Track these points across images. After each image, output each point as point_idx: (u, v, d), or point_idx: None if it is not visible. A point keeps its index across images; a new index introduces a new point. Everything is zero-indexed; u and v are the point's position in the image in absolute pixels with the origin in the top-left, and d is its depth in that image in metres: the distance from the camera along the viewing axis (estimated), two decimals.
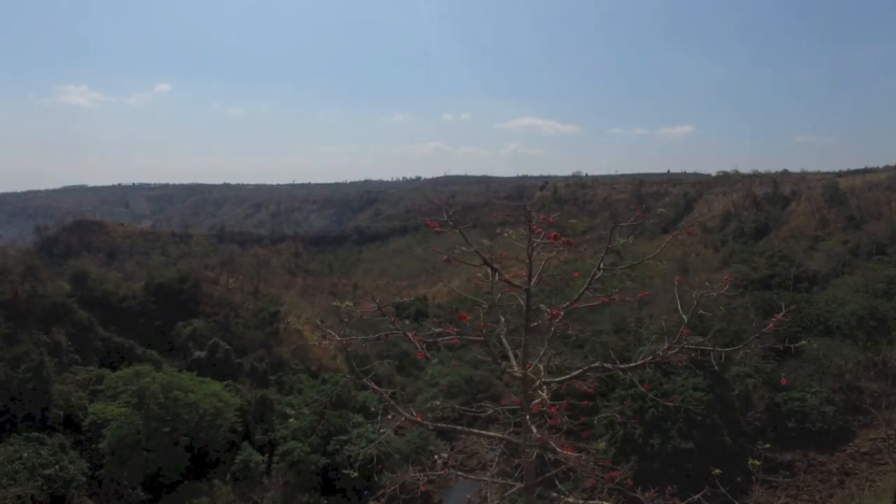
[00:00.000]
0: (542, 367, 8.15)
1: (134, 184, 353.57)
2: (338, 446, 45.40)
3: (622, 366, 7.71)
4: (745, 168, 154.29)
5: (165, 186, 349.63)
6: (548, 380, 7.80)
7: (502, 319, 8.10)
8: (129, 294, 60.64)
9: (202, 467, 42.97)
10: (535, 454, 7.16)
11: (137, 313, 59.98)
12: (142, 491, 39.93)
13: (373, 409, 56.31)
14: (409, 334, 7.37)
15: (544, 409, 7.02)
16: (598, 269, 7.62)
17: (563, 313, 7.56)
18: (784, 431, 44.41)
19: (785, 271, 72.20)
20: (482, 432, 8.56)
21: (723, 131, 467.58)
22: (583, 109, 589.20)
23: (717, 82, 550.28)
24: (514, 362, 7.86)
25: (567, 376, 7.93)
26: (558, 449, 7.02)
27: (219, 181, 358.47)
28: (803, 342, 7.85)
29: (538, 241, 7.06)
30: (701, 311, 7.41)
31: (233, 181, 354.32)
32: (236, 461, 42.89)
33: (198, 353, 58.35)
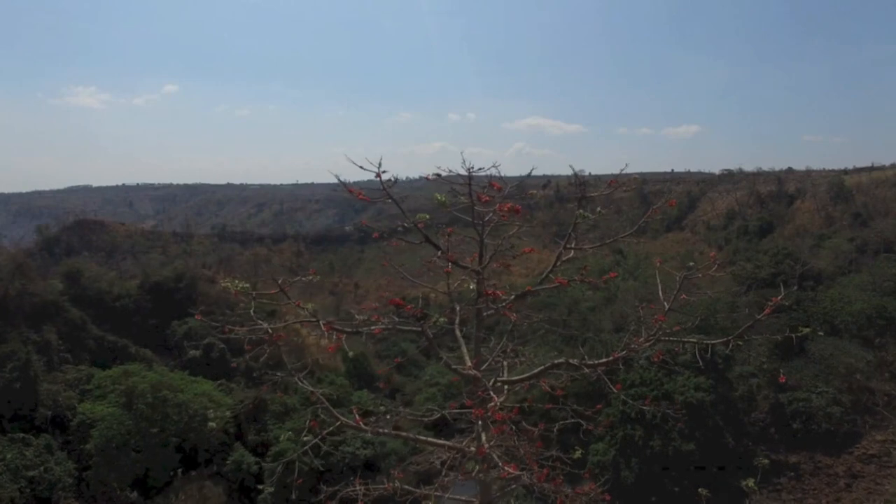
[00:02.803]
0: (505, 364, 7.17)
1: (138, 184, 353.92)
2: (331, 448, 44.55)
3: (590, 362, 6.72)
4: (749, 166, 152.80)
5: (169, 186, 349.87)
6: (504, 379, 6.82)
7: (457, 308, 7.12)
8: (124, 293, 59.91)
9: (193, 468, 42.16)
10: (475, 468, 6.19)
11: (132, 312, 59.26)
12: (130, 492, 39.15)
13: (369, 409, 55.24)
14: (322, 322, 6.41)
15: (488, 414, 6.02)
16: (565, 247, 6.64)
17: (512, 296, 6.56)
18: (789, 433, 43.22)
19: (790, 269, 70.84)
20: (432, 440, 7.59)
21: (728, 131, 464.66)
22: (589, 109, 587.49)
23: (723, 82, 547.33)
24: (466, 358, 6.89)
25: (524, 375, 6.95)
26: (499, 462, 6.03)
27: (222, 181, 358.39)
28: (807, 329, 6.85)
29: (487, 210, 6.07)
30: (684, 297, 6.43)
31: (236, 181, 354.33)
32: (228, 462, 42.05)
33: (193, 353, 57.58)
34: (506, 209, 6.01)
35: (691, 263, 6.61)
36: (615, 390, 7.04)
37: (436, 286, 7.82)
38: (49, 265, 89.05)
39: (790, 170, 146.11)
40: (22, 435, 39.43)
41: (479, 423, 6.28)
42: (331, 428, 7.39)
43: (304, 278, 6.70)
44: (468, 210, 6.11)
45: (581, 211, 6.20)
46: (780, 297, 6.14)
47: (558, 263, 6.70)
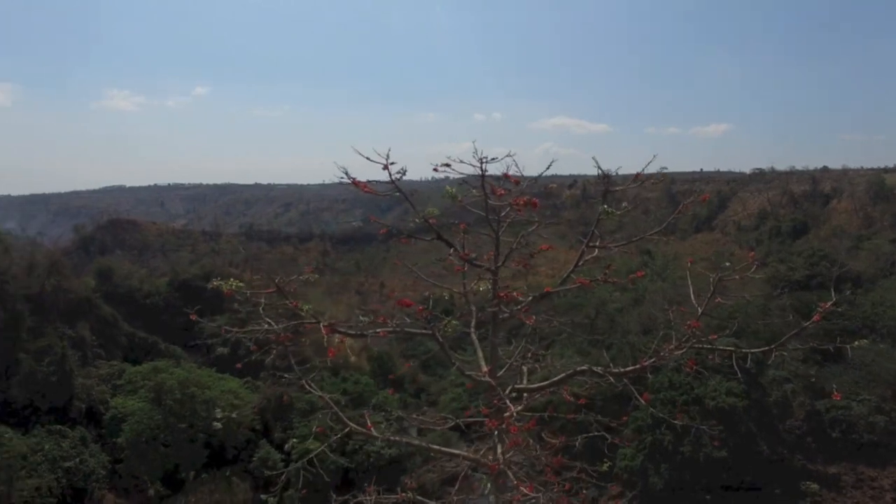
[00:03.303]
0: (524, 369, 6.83)
1: (169, 184, 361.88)
2: (357, 446, 44.69)
3: (615, 370, 6.31)
4: (781, 165, 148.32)
5: (199, 186, 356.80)
6: (521, 386, 6.46)
7: (474, 310, 6.81)
8: (154, 290, 61.18)
9: (220, 464, 42.79)
10: (488, 486, 5.85)
11: (161, 309, 60.48)
12: (161, 486, 39.92)
13: (380, 414, 55.38)
14: (323, 325, 6.18)
15: (502, 425, 5.66)
16: (588, 246, 6.26)
17: (530, 298, 6.19)
18: (828, 442, 41.53)
19: (826, 271, 68.40)
20: (446, 450, 7.29)
21: (759, 129, 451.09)
22: (615, 109, 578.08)
23: (754, 79, 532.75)
24: (481, 363, 6.57)
25: (544, 383, 6.58)
26: (514, 481, 5.69)
27: (250, 181, 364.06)
28: (863, 341, 6.31)
29: (503, 205, 5.73)
30: (719, 300, 5.98)
31: (264, 181, 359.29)
32: (254, 459, 42.57)
33: (220, 350, 58.49)
34: (521, 202, 5.65)
35: (727, 263, 6.16)
36: (643, 401, 6.62)
37: (454, 286, 7.50)
38: (85, 263, 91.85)
39: (825, 169, 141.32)
40: (59, 427, 40.59)
41: (496, 434, 5.95)
42: (338, 435, 7.17)
43: (301, 277, 6.53)
44: (487, 206, 5.78)
45: (605, 206, 5.82)
46: (829, 304, 5.66)
47: (581, 263, 6.34)
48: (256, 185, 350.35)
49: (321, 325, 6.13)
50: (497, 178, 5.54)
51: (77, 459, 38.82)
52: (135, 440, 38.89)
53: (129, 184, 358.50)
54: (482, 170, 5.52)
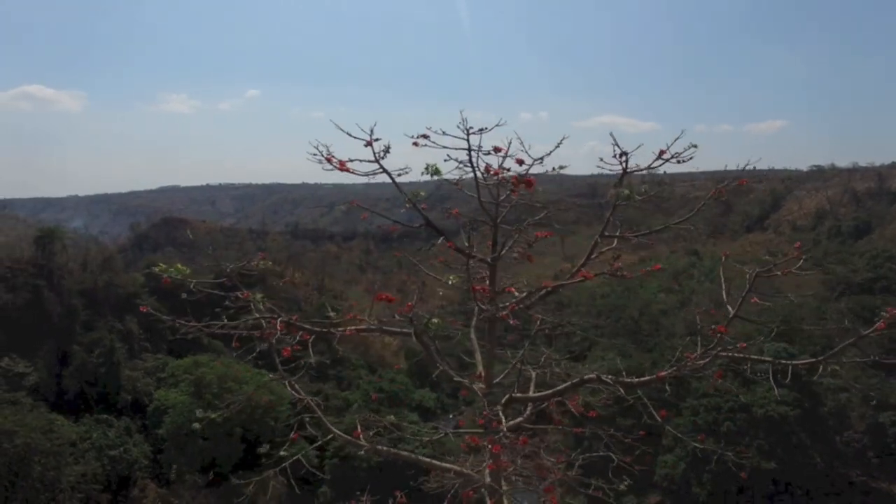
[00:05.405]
0: (534, 374, 6.17)
1: (220, 184, 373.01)
2: (391, 444, 44.64)
3: (626, 380, 5.57)
4: (843, 162, 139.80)
5: (248, 186, 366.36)
6: (518, 395, 5.80)
7: (476, 307, 6.19)
8: (198, 286, 62.93)
9: (256, 459, 43.42)
10: None
11: (204, 305, 62.09)
12: (199, 478, 40.80)
13: (430, 407, 55.20)
14: (280, 321, 5.68)
15: (485, 443, 5.02)
16: (601, 236, 5.57)
17: (524, 294, 5.51)
18: (892, 458, 38.73)
19: (893, 274, 64.20)
20: (436, 463, 6.71)
21: (818, 125, 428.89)
22: (664, 106, 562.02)
23: (813, 72, 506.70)
24: (479, 366, 5.95)
25: (546, 392, 5.89)
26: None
27: (298, 181, 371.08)
28: None
29: (493, 181, 5.05)
30: (755, 300, 5.19)
31: (311, 181, 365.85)
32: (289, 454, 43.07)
33: (261, 346, 59.67)
34: (514, 182, 4.98)
35: (766, 257, 5.35)
36: (659, 418, 5.84)
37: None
38: (139, 259, 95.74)
39: (894, 165, 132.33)
40: (106, 416, 42.15)
41: (488, 447, 5.30)
42: (320, 442, 6.72)
43: (252, 264, 6.14)
44: (477, 186, 5.14)
45: (623, 189, 5.11)
46: None
47: (594, 255, 5.66)
48: (303, 185, 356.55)
49: (279, 321, 5.67)
50: (488, 153, 4.84)
51: (122, 448, 40.19)
52: (175, 432, 39.91)
53: (182, 184, 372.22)
54: (468, 142, 4.87)
